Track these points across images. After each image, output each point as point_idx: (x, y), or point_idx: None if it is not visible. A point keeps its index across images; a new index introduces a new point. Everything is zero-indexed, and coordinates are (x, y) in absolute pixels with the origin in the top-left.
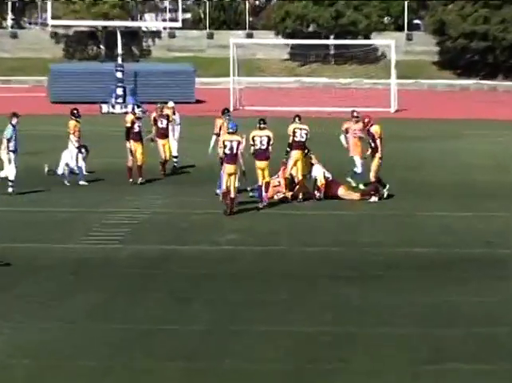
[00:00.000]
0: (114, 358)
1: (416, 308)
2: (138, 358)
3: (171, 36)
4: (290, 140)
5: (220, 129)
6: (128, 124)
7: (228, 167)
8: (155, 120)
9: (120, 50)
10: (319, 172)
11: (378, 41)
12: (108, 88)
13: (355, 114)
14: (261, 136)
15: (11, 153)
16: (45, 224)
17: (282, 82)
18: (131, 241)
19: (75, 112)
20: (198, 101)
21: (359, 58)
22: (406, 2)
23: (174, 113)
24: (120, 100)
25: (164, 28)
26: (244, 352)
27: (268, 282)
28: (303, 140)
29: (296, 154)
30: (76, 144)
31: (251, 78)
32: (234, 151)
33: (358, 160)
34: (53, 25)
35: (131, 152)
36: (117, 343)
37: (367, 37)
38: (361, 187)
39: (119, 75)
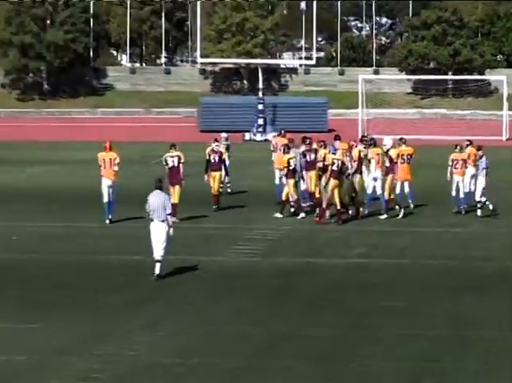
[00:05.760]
0: (254, 358)
1: None
2: (275, 358)
3: (307, 72)
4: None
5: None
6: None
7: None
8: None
9: (261, 85)
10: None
11: (491, 76)
12: (250, 119)
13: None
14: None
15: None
16: (195, 238)
17: (405, 113)
18: (270, 254)
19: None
20: (330, 130)
21: (474, 92)
22: None
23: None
24: (260, 129)
25: (300, 65)
26: (374, 353)
27: (393, 291)
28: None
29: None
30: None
31: (378, 110)
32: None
33: None
34: (202, 63)
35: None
36: (259, 344)
37: (481, 73)
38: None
39: (260, 107)
